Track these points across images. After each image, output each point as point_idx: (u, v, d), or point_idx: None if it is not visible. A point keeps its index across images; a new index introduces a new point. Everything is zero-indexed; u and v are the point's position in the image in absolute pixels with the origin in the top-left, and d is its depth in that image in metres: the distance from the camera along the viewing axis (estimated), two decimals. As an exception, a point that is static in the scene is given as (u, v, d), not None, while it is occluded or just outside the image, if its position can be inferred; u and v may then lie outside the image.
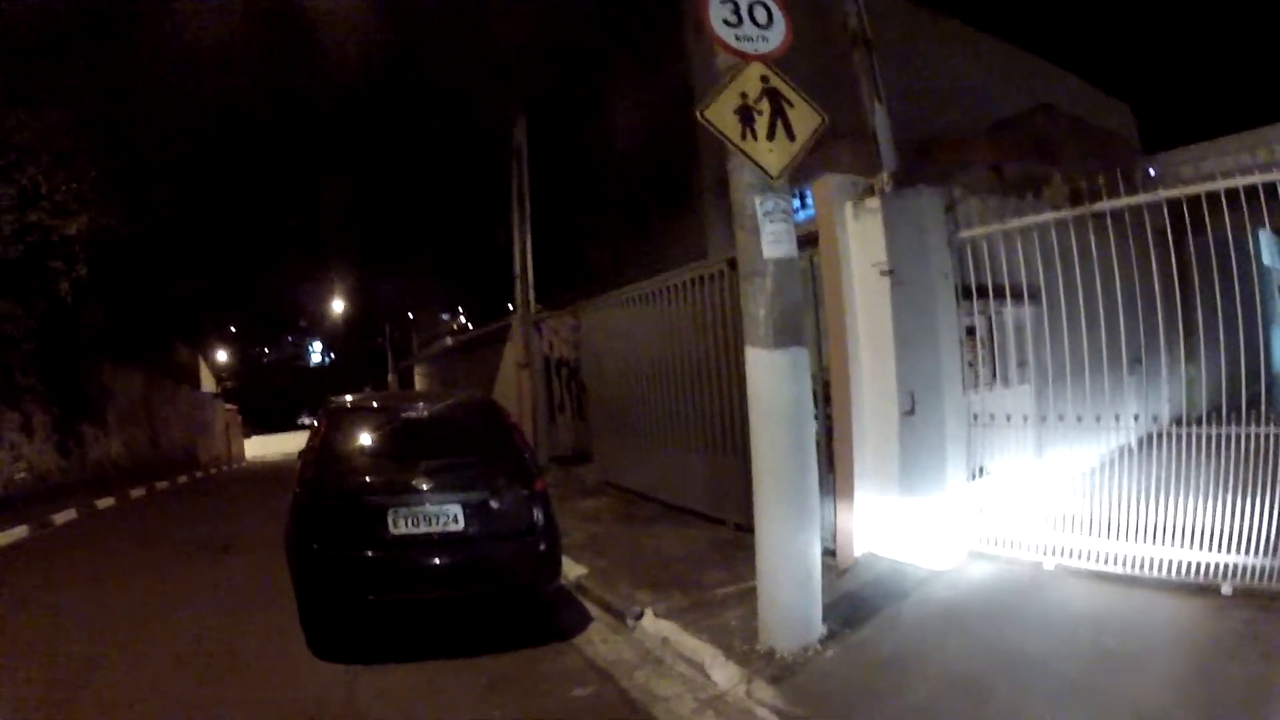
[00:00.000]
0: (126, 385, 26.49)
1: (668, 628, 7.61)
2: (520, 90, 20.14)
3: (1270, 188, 6.66)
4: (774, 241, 6.66)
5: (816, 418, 8.54)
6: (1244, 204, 6.76)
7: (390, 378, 47.50)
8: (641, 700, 6.48)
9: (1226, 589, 6.89)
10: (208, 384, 45.27)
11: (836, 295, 8.71)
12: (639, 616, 7.99)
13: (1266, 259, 21.28)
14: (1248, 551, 6.85)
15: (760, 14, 6.72)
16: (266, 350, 72.67)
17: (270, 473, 30.06)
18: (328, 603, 7.53)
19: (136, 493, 21.10)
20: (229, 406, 43.15)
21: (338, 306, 56.15)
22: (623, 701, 6.48)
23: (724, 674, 6.60)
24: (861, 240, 8.65)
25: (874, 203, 8.57)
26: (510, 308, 21.50)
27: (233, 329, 58.18)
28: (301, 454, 8.52)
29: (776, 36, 6.75)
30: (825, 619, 7.05)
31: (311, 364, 75.57)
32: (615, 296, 14.62)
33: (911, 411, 8.38)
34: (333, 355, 73.69)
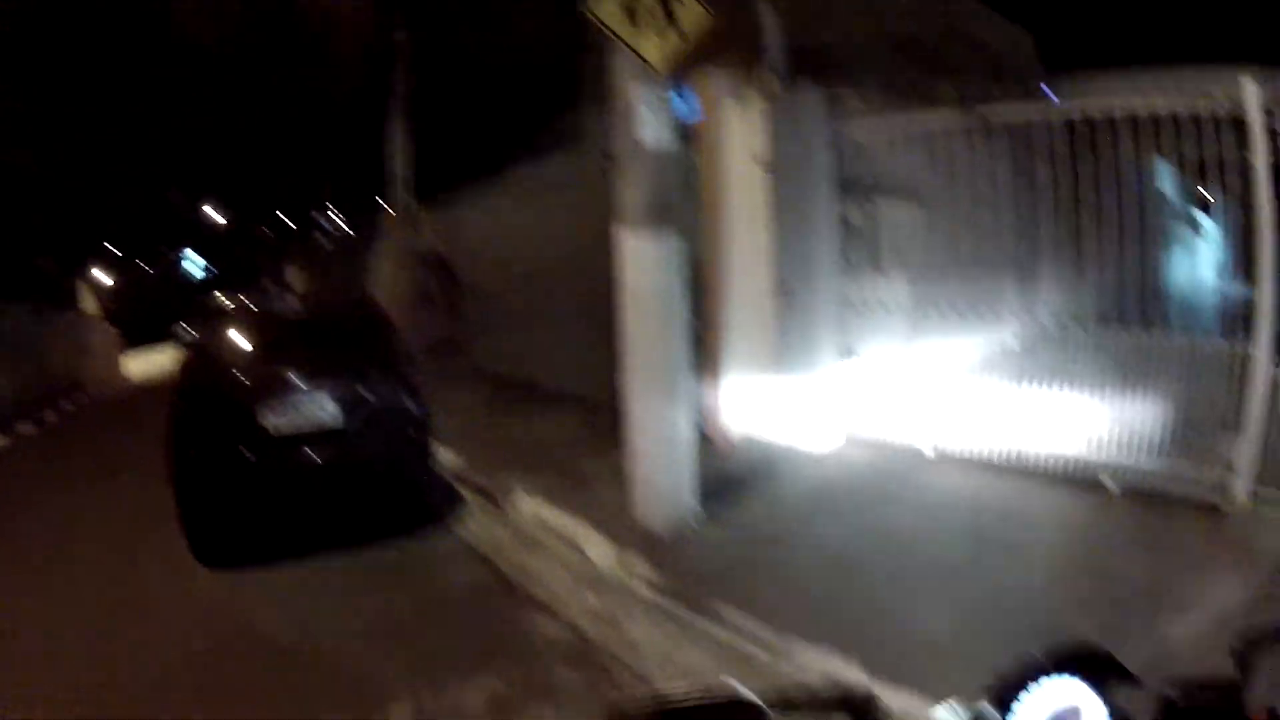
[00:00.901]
0: (10, 317, 25.37)
1: (540, 506, 7.69)
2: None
3: (1167, 118, 6.81)
4: (651, 129, 6.65)
5: (690, 307, 8.62)
6: (1153, 133, 6.92)
7: (265, 282, 46.51)
8: (520, 581, 6.55)
9: (1113, 486, 7.06)
10: (89, 305, 43.70)
11: (714, 184, 8.74)
12: (513, 497, 8.05)
13: (1161, 186, 21.95)
14: (1128, 451, 7.04)
15: None
16: (147, 268, 70.43)
17: (156, 390, 29.26)
18: (209, 509, 7.36)
19: (25, 428, 20.44)
20: (112, 328, 41.76)
21: (215, 216, 54.59)
22: (502, 583, 6.54)
23: (600, 552, 6.70)
24: (743, 134, 8.65)
25: (756, 98, 8.57)
26: (388, 206, 21.17)
27: (112, 248, 56.30)
28: (181, 362, 8.40)
29: None
30: (701, 499, 7.13)
31: (192, 277, 73.52)
32: (489, 188, 14.55)
33: (786, 297, 8.47)
34: (211, 265, 71.78)
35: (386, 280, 19.47)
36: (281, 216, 53.09)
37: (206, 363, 7.87)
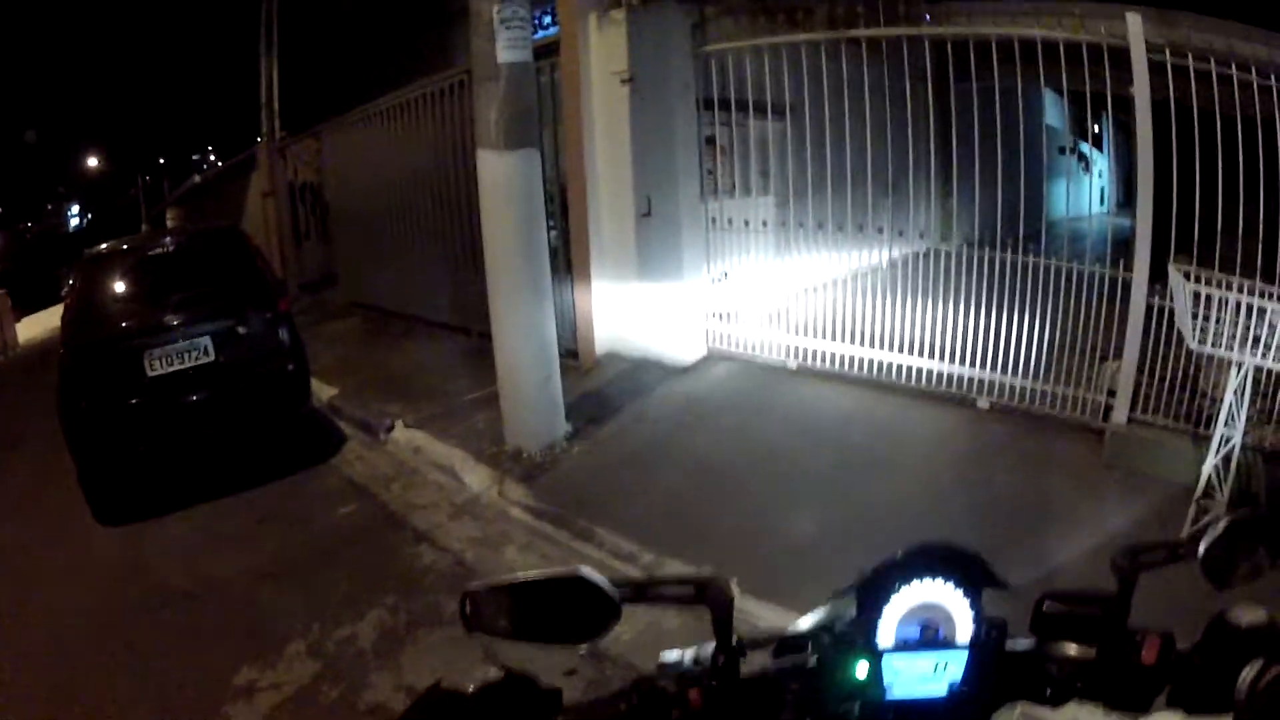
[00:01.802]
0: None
1: (419, 437, 7.68)
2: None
3: (1047, 46, 6.79)
4: (509, 46, 6.54)
5: (553, 227, 8.60)
6: (1019, 59, 6.95)
7: (144, 227, 45.43)
8: (400, 511, 6.55)
9: (983, 403, 7.20)
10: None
11: (575, 103, 8.63)
12: (390, 429, 8.00)
13: (1050, 119, 22.27)
14: (1005, 371, 7.14)
15: None
16: (29, 224, 68.18)
17: (47, 352, 28.43)
18: (101, 460, 7.28)
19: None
20: None
21: (92, 163, 53.24)
22: (383, 515, 6.55)
23: (475, 477, 6.73)
24: (604, 50, 8.56)
25: (619, 14, 8.43)
26: (259, 140, 20.69)
27: None
28: (62, 314, 8.19)
29: None
30: (570, 417, 7.19)
31: (71, 229, 71.38)
32: (357, 114, 14.18)
33: (648, 214, 8.46)
34: (90, 216, 69.77)
35: (259, 213, 19.00)
36: (159, 160, 51.95)
37: (88, 310, 7.63)
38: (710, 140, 8.93)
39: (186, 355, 7.29)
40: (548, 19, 9.76)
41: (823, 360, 8.17)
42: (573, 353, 8.66)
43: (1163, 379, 6.42)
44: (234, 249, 8.47)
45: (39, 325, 42.59)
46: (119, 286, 7.80)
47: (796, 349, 8.32)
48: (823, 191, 8.16)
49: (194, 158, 55.86)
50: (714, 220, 8.75)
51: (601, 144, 8.66)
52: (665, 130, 8.36)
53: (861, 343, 7.92)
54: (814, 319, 8.26)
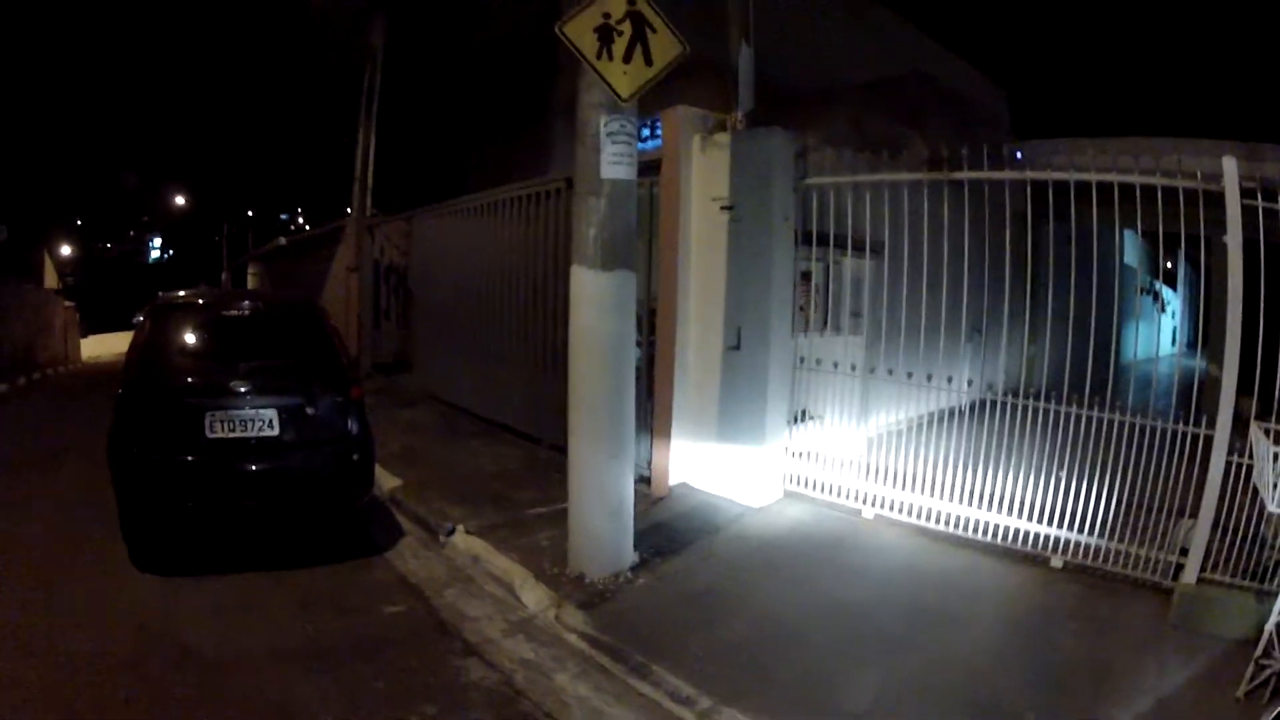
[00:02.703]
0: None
1: (479, 545, 7.54)
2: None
3: (1142, 190, 6.77)
4: (614, 162, 6.54)
5: (640, 345, 8.50)
6: (1115, 202, 6.87)
7: (224, 275, 46.13)
8: (451, 620, 6.37)
9: (1056, 562, 7.06)
10: (50, 280, 43.15)
11: (673, 225, 8.63)
12: (451, 533, 7.88)
13: (1129, 258, 22.23)
14: (1079, 529, 7.03)
15: None
16: (109, 245, 69.74)
17: (106, 374, 28.90)
18: (147, 510, 7.20)
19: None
20: (68, 304, 41.10)
21: (179, 201, 54.45)
22: (433, 620, 6.38)
23: (534, 597, 6.57)
24: (705, 174, 8.59)
25: (723, 138, 8.50)
26: (350, 212, 20.99)
27: (78, 221, 56.03)
28: (127, 353, 8.22)
29: None
30: (637, 547, 7.06)
31: (150, 260, 72.87)
32: (451, 206, 14.34)
33: (737, 347, 8.37)
34: (171, 251, 71.26)
35: (342, 288, 19.22)
36: (247, 211, 53.02)
37: (155, 357, 7.61)
38: (805, 275, 8.88)
39: (250, 424, 7.25)
40: (647, 132, 9.81)
41: (899, 509, 8.02)
42: (645, 479, 8.54)
43: (1234, 535, 6.26)
44: (312, 325, 8.47)
45: (103, 345, 43.39)
46: (190, 340, 7.80)
47: (873, 496, 8.18)
48: (909, 335, 8.11)
49: (282, 216, 56.93)
50: (801, 359, 8.69)
51: (696, 269, 8.66)
52: (762, 262, 8.30)
53: (938, 494, 7.78)
54: (893, 467, 8.13)
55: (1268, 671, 5.08)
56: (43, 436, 13.70)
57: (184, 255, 65.89)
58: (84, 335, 43.41)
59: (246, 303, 8.72)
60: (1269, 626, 5.15)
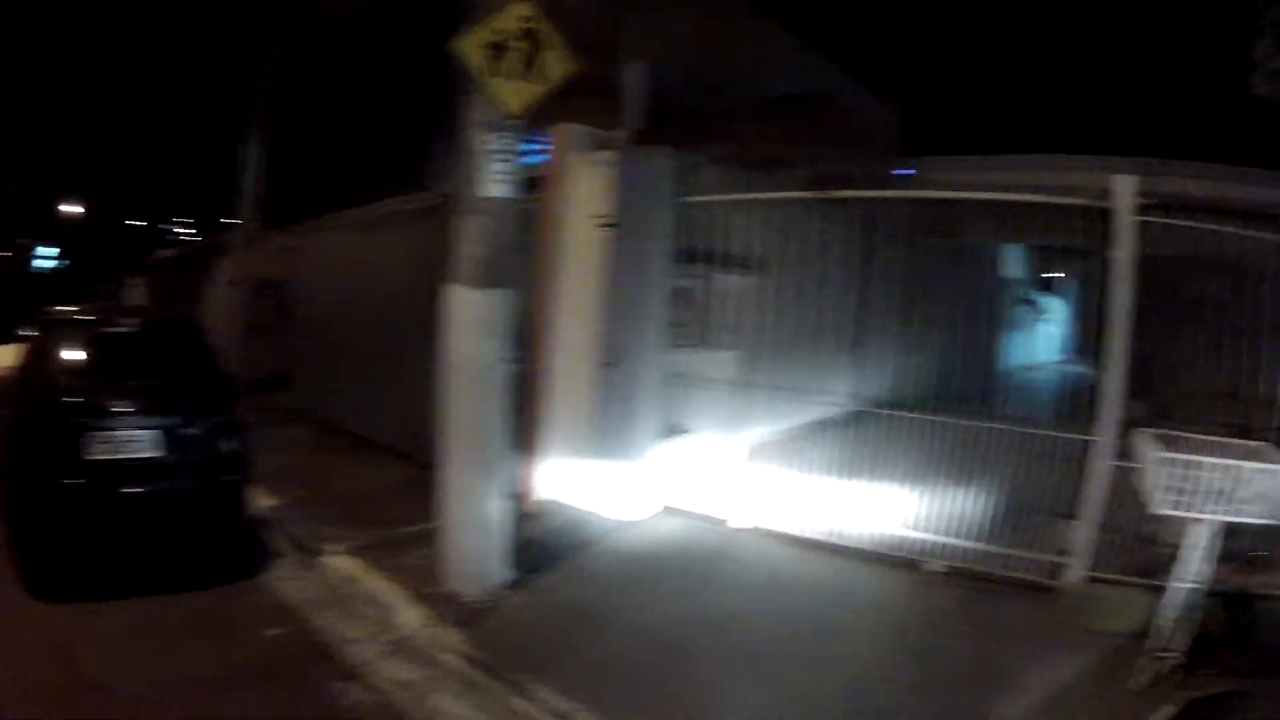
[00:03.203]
0: None
1: (354, 566, 7.52)
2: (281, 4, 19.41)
3: (1028, 207, 6.99)
4: (496, 181, 6.56)
5: (516, 361, 8.53)
6: (1002, 218, 7.07)
7: (113, 287, 45.34)
8: (330, 642, 6.35)
9: (937, 566, 7.25)
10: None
11: (553, 242, 8.70)
12: (325, 553, 7.83)
13: (1008, 271, 22.77)
14: (959, 535, 7.22)
15: None
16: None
17: None
18: (34, 534, 7.09)
19: None
20: None
21: (72, 209, 53.18)
22: (312, 643, 6.35)
23: (410, 616, 6.56)
24: (588, 191, 8.63)
25: (607, 156, 8.55)
26: (235, 223, 20.71)
27: None
28: (15, 370, 8.03)
29: None
30: (510, 563, 7.07)
31: (39, 269, 71.00)
32: (331, 221, 14.25)
33: (611, 363, 8.43)
34: (61, 261, 69.47)
35: (223, 302, 18.89)
36: (139, 222, 51.98)
37: (41, 376, 7.50)
38: (681, 292, 8.97)
39: (132, 445, 7.14)
40: (533, 146, 9.84)
41: (775, 522, 8.12)
42: (519, 495, 8.48)
43: (1120, 534, 6.55)
44: (192, 344, 8.41)
45: None
46: (78, 356, 7.67)
47: (748, 509, 8.27)
48: (786, 349, 8.29)
49: (173, 228, 55.93)
50: (676, 375, 8.76)
51: (574, 286, 8.68)
52: (638, 279, 8.40)
53: (815, 505, 7.93)
54: (768, 479, 8.27)
55: (1161, 663, 5.32)
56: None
57: (76, 265, 64.44)
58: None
59: (131, 319, 8.59)
60: (1163, 620, 5.41)
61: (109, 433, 7.07)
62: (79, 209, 53.62)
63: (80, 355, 7.69)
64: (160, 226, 56.02)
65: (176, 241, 45.95)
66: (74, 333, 7.94)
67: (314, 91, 22.30)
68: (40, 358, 7.60)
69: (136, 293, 34.29)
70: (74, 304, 9.10)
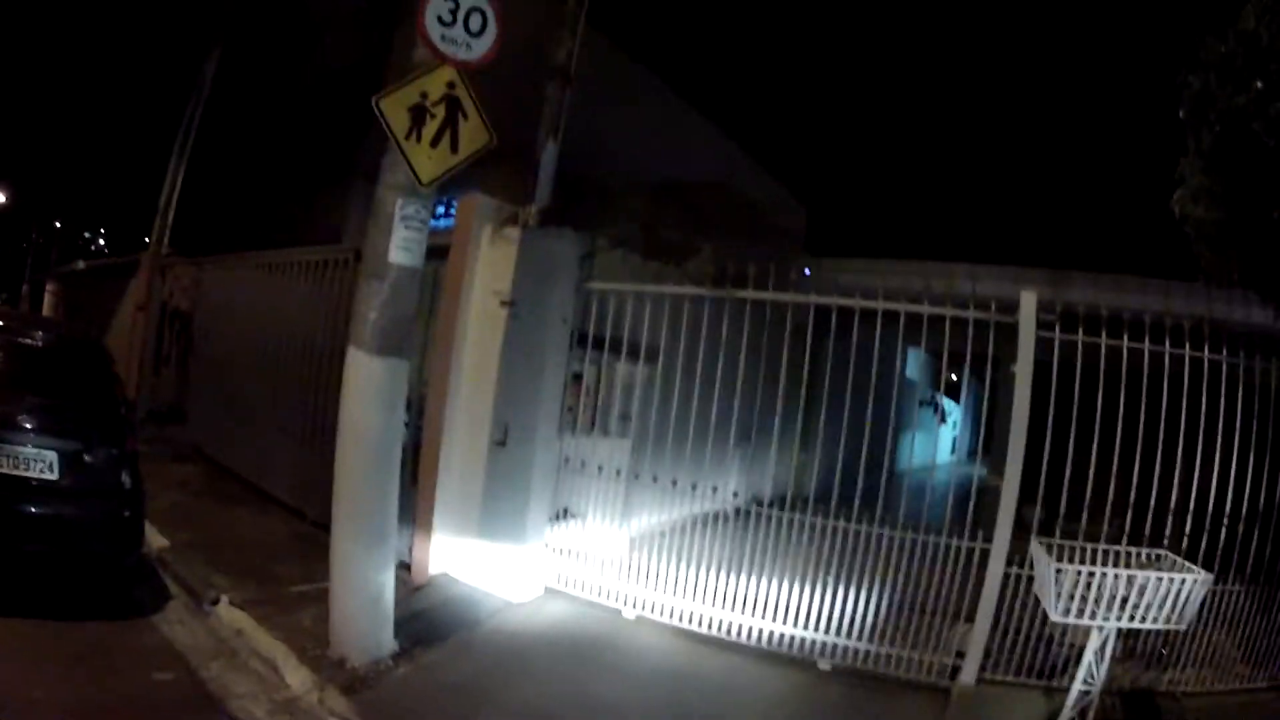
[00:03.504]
0: None
1: (243, 619, 7.44)
2: (221, 22, 19.26)
3: (930, 318, 7.30)
4: (403, 248, 6.58)
5: (408, 426, 8.53)
6: (900, 324, 7.36)
7: (24, 288, 44.27)
8: (218, 694, 6.30)
9: (825, 665, 7.37)
10: None
11: (453, 314, 8.71)
12: (215, 603, 7.73)
13: (911, 372, 23.33)
14: (848, 635, 7.37)
15: (475, 21, 6.58)
16: None
17: None
18: None
19: None
20: None
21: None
22: (199, 692, 6.30)
23: (297, 677, 6.55)
24: (491, 265, 8.70)
25: (513, 232, 8.63)
26: (147, 242, 20.47)
27: None
28: None
29: (481, 47, 6.64)
30: (398, 635, 7.06)
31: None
32: (242, 259, 14.12)
33: (503, 443, 8.47)
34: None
35: (128, 324, 18.57)
36: (55, 222, 50.83)
37: None
38: (577, 376, 9.07)
39: (31, 464, 7.01)
40: (441, 209, 9.88)
41: (661, 612, 8.23)
42: (407, 565, 8.52)
43: (1015, 636, 6.76)
44: (98, 368, 8.27)
45: None
46: None
47: (635, 597, 8.36)
48: (678, 440, 8.39)
49: (85, 234, 54.74)
50: (567, 459, 8.83)
51: (470, 360, 8.70)
52: (535, 360, 8.46)
53: (701, 598, 8.03)
54: (656, 569, 8.35)
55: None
56: None
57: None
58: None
59: (40, 333, 8.49)
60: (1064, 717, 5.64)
61: (12, 446, 6.95)
62: (5, 197, 52.18)
63: None
64: (81, 232, 54.82)
65: (93, 252, 44.99)
66: None
67: (240, 124, 22.23)
68: None
69: (50, 300, 33.72)
70: None
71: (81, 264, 30.12)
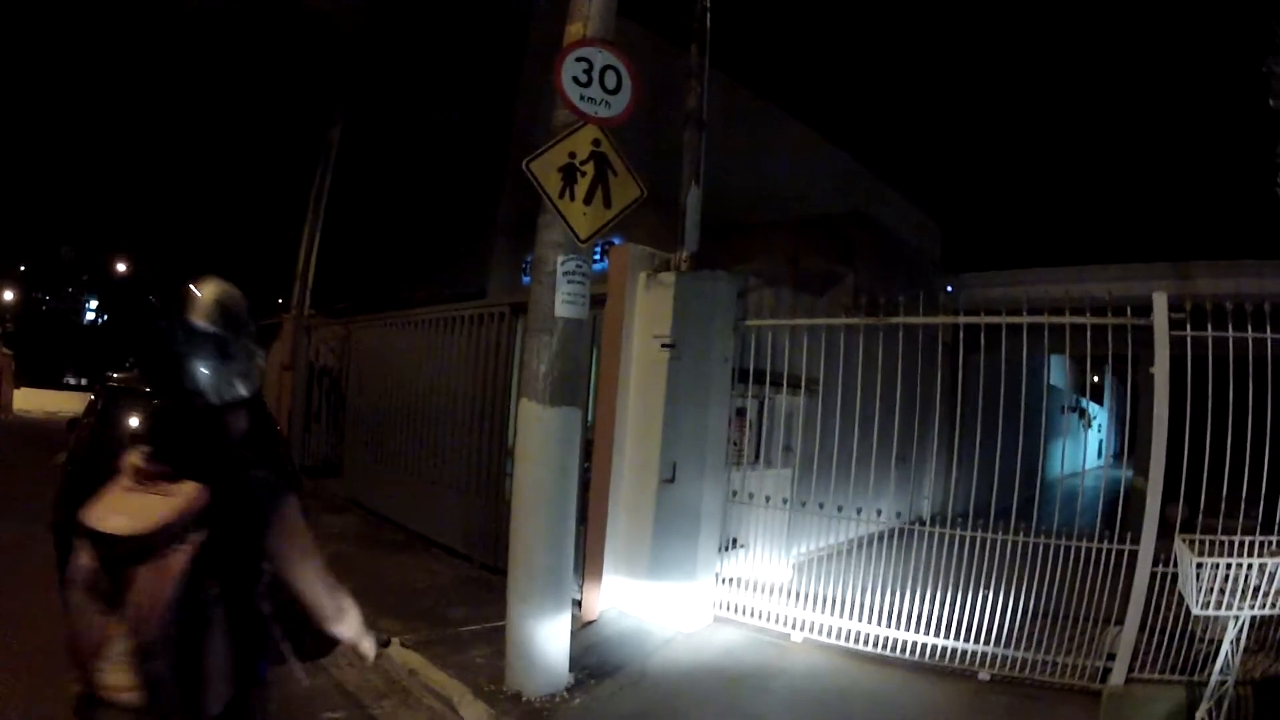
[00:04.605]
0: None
1: (415, 659, 7.58)
2: (343, 91, 19.84)
3: (1071, 327, 7.30)
4: (568, 301, 6.76)
5: (581, 470, 8.73)
6: (1045, 335, 7.37)
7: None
8: (393, 732, 6.37)
9: (984, 675, 7.39)
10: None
11: (614, 359, 8.91)
12: (386, 644, 7.92)
13: (1055, 379, 23.04)
14: (1006, 644, 7.41)
15: (610, 79, 6.74)
16: (46, 298, 68.38)
17: (38, 431, 28.48)
18: None
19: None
20: (6, 351, 40.23)
21: (120, 267, 53.93)
22: None
23: (472, 712, 6.66)
24: (648, 310, 8.91)
25: (668, 278, 8.84)
26: (281, 303, 21.02)
27: (22, 268, 55.23)
28: (74, 425, 8.39)
29: (620, 104, 6.79)
30: (571, 668, 7.17)
31: (86, 321, 71.45)
32: (392, 316, 14.50)
33: (672, 480, 8.63)
34: (106, 315, 69.94)
35: (275, 385, 19.04)
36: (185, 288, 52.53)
37: (103, 437, 7.70)
38: (740, 411, 9.20)
39: None
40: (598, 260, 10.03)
41: (827, 633, 8.28)
42: (576, 601, 8.63)
43: (1160, 636, 6.71)
44: (260, 424, 8.62)
45: (33, 400, 42.32)
46: (138, 430, 7.89)
47: (801, 621, 8.43)
48: (838, 466, 8.54)
49: (214, 301, 56.37)
50: (734, 492, 8.96)
51: (635, 403, 8.93)
52: (699, 399, 8.61)
53: (865, 618, 8.08)
54: (820, 592, 8.42)
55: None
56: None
57: (119, 322, 64.85)
58: (17, 386, 42.60)
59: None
60: (1199, 714, 5.68)
61: None
62: (127, 267, 54.18)
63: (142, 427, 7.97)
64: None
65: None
66: (140, 399, 8.25)
67: (372, 186, 22.78)
68: (106, 419, 7.88)
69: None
70: (120, 359, 9.20)
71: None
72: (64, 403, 43.12)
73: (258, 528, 2.98)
